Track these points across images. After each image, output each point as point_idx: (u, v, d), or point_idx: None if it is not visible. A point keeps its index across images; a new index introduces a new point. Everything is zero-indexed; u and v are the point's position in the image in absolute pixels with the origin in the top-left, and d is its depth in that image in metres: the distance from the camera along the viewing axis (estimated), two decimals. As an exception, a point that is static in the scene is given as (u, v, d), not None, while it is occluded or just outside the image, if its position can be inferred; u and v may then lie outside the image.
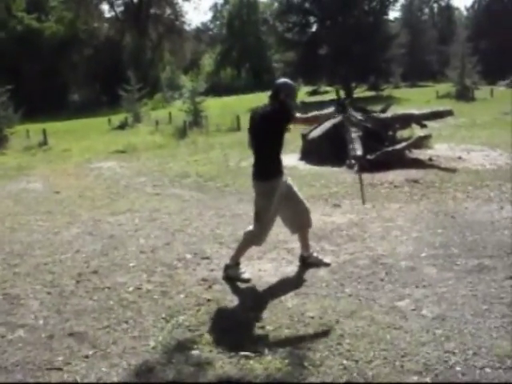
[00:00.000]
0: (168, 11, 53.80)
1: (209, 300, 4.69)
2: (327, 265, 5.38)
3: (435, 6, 75.43)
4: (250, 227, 5.21)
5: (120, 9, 52.13)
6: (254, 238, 5.17)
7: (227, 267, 5.21)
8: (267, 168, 5.00)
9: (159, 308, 4.61)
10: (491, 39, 56.49)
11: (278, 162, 5.01)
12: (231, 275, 5.15)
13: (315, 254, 5.49)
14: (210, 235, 6.61)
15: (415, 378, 3.39)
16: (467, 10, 73.20)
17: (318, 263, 5.38)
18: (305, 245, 5.44)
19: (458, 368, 3.47)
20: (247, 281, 5.08)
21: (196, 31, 70.08)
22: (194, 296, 4.80)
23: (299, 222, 5.32)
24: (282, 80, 5.27)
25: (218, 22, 72.26)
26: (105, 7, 59.71)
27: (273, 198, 4.97)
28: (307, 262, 5.40)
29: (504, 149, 11.76)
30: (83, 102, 41.90)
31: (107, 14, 52.69)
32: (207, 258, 5.78)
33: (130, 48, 46.70)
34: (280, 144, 4.97)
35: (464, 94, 29.47)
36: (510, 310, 4.22)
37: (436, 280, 4.90)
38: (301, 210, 5.25)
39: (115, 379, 3.58)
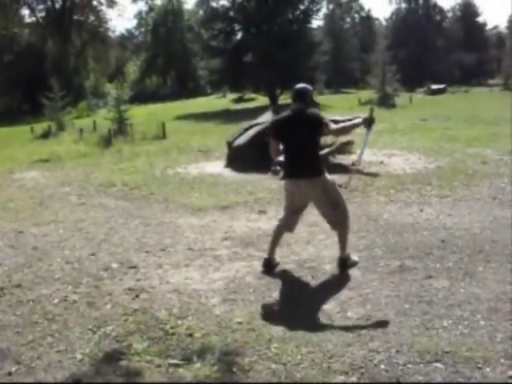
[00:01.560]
0: (91, 18, 52.71)
1: (136, 309, 4.65)
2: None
3: (356, 15, 77.65)
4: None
5: (41, 14, 50.67)
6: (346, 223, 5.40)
7: (343, 259, 5.39)
8: (320, 164, 5.27)
9: (86, 319, 4.52)
10: (409, 49, 58.72)
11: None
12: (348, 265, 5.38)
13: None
14: (136, 244, 6.55)
15: (342, 378, 3.48)
16: (386, 20, 75.64)
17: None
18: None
19: (382, 366, 3.59)
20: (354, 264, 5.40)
21: (120, 38, 69.03)
22: (121, 306, 4.74)
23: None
24: (303, 84, 5.48)
25: (142, 29, 71.50)
26: (25, 12, 58.00)
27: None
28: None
29: (423, 153, 12.24)
30: (3, 111, 40.39)
31: (28, 19, 51.10)
32: (134, 267, 5.72)
33: (53, 55, 45.42)
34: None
35: (385, 101, 30.48)
36: (429, 308, 4.40)
37: (360, 282, 5.05)
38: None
39: (40, 394, 3.50)
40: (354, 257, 5.52)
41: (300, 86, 5.43)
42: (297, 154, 5.25)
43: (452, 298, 4.56)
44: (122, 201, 9.10)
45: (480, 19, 71.80)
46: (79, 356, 3.91)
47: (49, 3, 49.11)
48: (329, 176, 5.29)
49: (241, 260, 5.80)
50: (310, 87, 5.49)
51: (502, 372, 3.43)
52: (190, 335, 4.14)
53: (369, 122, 5.29)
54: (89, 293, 5.09)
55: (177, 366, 3.70)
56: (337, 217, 5.31)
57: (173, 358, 3.80)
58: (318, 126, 5.15)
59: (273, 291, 4.92)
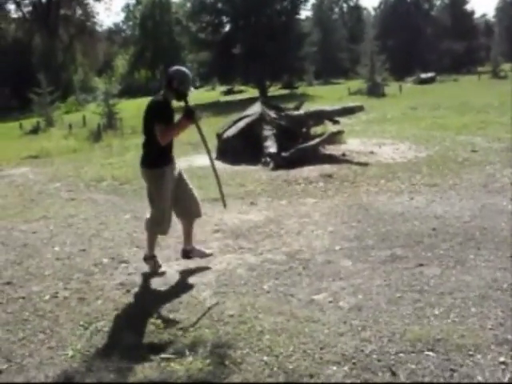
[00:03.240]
0: (79, 12, 52.31)
1: (127, 304, 4.64)
2: (209, 255, 5.53)
3: (344, 5, 77.53)
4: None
5: (28, 9, 50.20)
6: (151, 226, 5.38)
7: (144, 258, 5.40)
8: (149, 156, 5.17)
9: (77, 315, 4.51)
10: (397, 38, 58.76)
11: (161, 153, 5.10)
12: (149, 267, 5.34)
13: (197, 247, 5.57)
14: (126, 239, 6.53)
15: (334, 368, 3.49)
16: (375, 10, 75.54)
17: (202, 255, 5.50)
18: (188, 237, 5.51)
19: (374, 356, 3.60)
20: (161, 274, 5.25)
21: (108, 32, 68.61)
22: (112, 301, 4.73)
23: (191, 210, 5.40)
24: (175, 67, 5.21)
25: (130, 23, 71.07)
26: (11, 7, 57.56)
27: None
28: (189, 256, 5.48)
29: (413, 142, 12.24)
30: (-9, 107, 40.18)
31: (14, 15, 50.67)
32: (124, 261, 5.71)
33: (40, 50, 45.12)
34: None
35: (374, 91, 30.45)
36: (420, 296, 4.42)
37: (352, 272, 5.05)
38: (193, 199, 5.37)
39: (32, 391, 3.49)
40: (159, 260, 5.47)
41: (171, 68, 5.19)
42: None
43: (443, 286, 4.58)
44: (113, 195, 9.07)
45: (468, 7, 71.75)
46: (71, 352, 3.91)
47: (34, -2, 48.68)
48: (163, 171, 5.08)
49: (232, 252, 5.79)
50: (180, 71, 5.12)
51: (492, 358, 3.45)
52: (182, 329, 4.13)
53: (188, 116, 4.95)
54: (80, 288, 5.08)
55: (168, 360, 3.70)
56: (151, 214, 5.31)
57: (165, 353, 3.80)
58: (150, 118, 5.04)
59: (264, 283, 4.92)
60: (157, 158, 5.08)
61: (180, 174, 5.30)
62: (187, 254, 5.49)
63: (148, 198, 5.24)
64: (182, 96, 5.07)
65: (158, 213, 5.16)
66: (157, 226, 5.26)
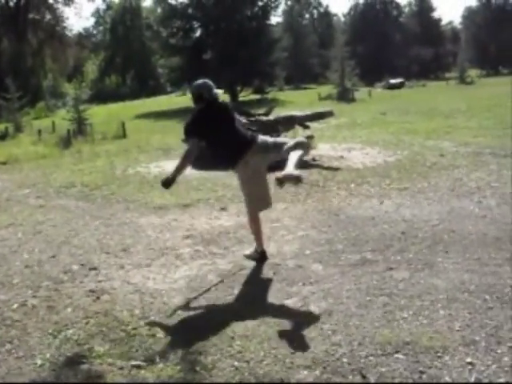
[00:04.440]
0: (48, 16, 51.74)
1: (97, 312, 4.59)
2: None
3: (315, 11, 78.17)
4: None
5: (-5, 12, 49.49)
6: None
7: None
8: None
9: (46, 324, 4.45)
10: (367, 44, 59.56)
11: None
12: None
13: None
14: (96, 245, 6.47)
15: (305, 373, 3.50)
16: (344, 16, 76.36)
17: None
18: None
19: (344, 359, 3.61)
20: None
21: (78, 37, 67.87)
22: (82, 309, 4.68)
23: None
24: (196, 83, 5.43)
25: (101, 28, 70.61)
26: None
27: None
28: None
29: (382, 147, 12.38)
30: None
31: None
32: (94, 268, 5.65)
33: (8, 54, 44.51)
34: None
35: (344, 96, 30.76)
36: (390, 300, 4.45)
37: (322, 276, 5.08)
38: None
39: (-1, 401, 3.43)
40: None
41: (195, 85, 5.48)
42: None
43: (412, 289, 4.63)
44: (83, 202, 8.99)
45: (435, 14, 73.07)
46: (39, 361, 3.84)
47: (2, 1, 47.94)
48: None
49: (202, 258, 5.78)
50: (200, 83, 5.44)
51: (460, 359, 3.49)
52: (153, 336, 4.11)
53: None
54: (49, 296, 5.01)
55: (139, 367, 3.67)
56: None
57: (135, 360, 3.76)
58: None
59: (235, 288, 4.92)
60: None
61: None
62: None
63: None
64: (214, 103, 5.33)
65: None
66: None
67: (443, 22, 77.14)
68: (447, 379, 3.32)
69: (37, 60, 48.98)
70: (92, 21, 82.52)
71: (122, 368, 3.68)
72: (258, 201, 5.37)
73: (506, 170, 9.13)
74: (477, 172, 9.16)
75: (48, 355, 3.93)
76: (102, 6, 67.24)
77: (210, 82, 5.36)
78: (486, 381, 3.29)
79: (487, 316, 4.06)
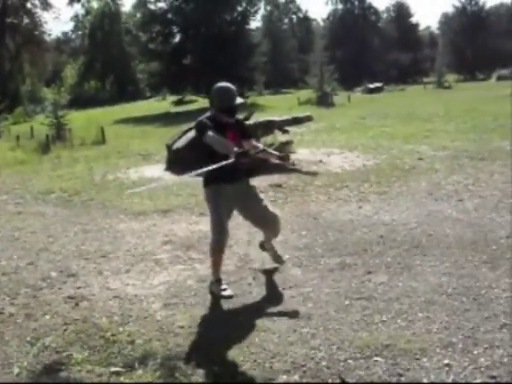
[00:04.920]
0: (26, 21, 51.25)
1: (76, 319, 4.55)
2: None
3: (294, 16, 78.49)
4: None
5: (-28, 17, 48.93)
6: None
7: (210, 284, 4.99)
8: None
9: (23, 332, 4.40)
10: (346, 49, 59.98)
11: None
12: (213, 291, 4.91)
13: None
14: (75, 252, 6.42)
15: (284, 377, 3.51)
16: (324, 21, 76.77)
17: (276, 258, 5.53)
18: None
19: (323, 363, 3.63)
20: (228, 297, 4.80)
21: (57, 42, 67.51)
22: (61, 316, 4.64)
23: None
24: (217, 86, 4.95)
25: (79, 33, 70.12)
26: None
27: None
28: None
29: (361, 151, 12.46)
30: None
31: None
32: (73, 275, 5.60)
33: (-15, 60, 44.17)
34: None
35: (324, 100, 30.92)
36: (369, 303, 4.49)
37: (301, 280, 5.10)
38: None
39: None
40: None
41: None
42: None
43: (391, 293, 4.66)
44: (61, 208, 8.92)
45: (413, 20, 73.84)
46: (17, 370, 3.80)
47: (-21, 6, 47.48)
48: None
49: (182, 263, 5.78)
50: (216, 87, 4.92)
51: (437, 361, 3.53)
52: (132, 342, 4.09)
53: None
54: (27, 304, 4.96)
55: (118, 374, 3.65)
56: None
57: (114, 366, 3.74)
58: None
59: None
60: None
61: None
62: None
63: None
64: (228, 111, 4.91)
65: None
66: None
67: (421, 27, 78.09)
68: (425, 381, 3.35)
69: (15, 65, 48.53)
70: (71, 25, 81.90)
71: (101, 375, 3.65)
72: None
73: (482, 174, 9.25)
74: (454, 175, 9.26)
75: (26, 363, 3.88)
76: (81, 11, 66.76)
77: (229, 89, 4.89)
78: (463, 381, 3.33)
79: (464, 318, 4.11)
